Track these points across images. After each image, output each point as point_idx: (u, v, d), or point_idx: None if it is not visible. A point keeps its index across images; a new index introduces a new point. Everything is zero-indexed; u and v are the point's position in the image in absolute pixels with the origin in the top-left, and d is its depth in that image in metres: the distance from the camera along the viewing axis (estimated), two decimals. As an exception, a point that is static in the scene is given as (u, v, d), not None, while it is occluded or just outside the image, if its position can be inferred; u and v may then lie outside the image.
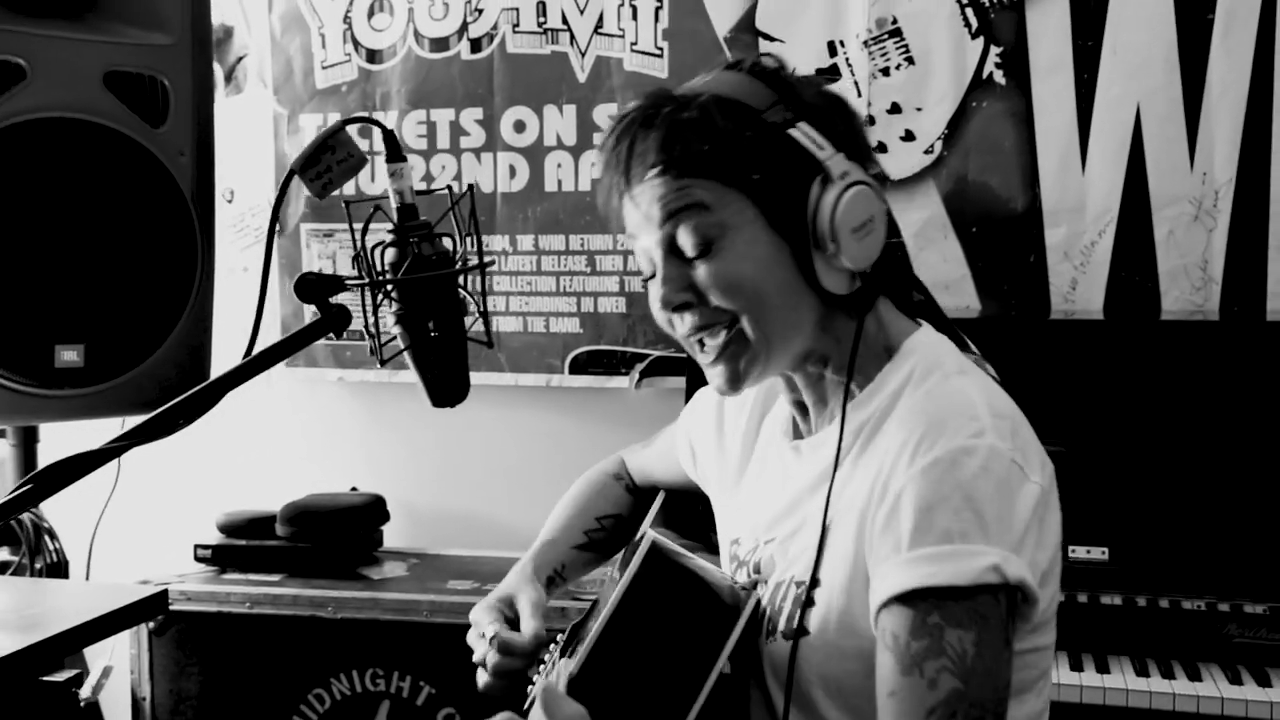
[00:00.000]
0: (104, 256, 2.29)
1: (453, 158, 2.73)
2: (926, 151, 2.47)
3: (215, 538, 2.61)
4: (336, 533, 2.58)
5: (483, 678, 1.39)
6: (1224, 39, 2.32)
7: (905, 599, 1.11)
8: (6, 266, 2.22)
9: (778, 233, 1.22)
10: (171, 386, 2.38)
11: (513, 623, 1.43)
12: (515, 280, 2.70)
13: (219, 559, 2.57)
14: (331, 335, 1.18)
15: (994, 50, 2.43)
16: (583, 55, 2.64)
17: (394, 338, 1.21)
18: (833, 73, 2.50)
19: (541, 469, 2.69)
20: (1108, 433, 2.13)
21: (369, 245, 1.21)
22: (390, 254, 1.19)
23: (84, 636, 2.10)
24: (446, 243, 1.26)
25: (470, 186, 1.26)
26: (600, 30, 2.62)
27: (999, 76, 2.43)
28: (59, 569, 2.50)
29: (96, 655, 2.48)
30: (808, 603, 1.23)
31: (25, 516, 2.48)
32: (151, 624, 2.45)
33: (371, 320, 1.18)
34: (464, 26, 2.70)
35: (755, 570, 1.34)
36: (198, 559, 2.58)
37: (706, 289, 1.22)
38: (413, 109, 2.74)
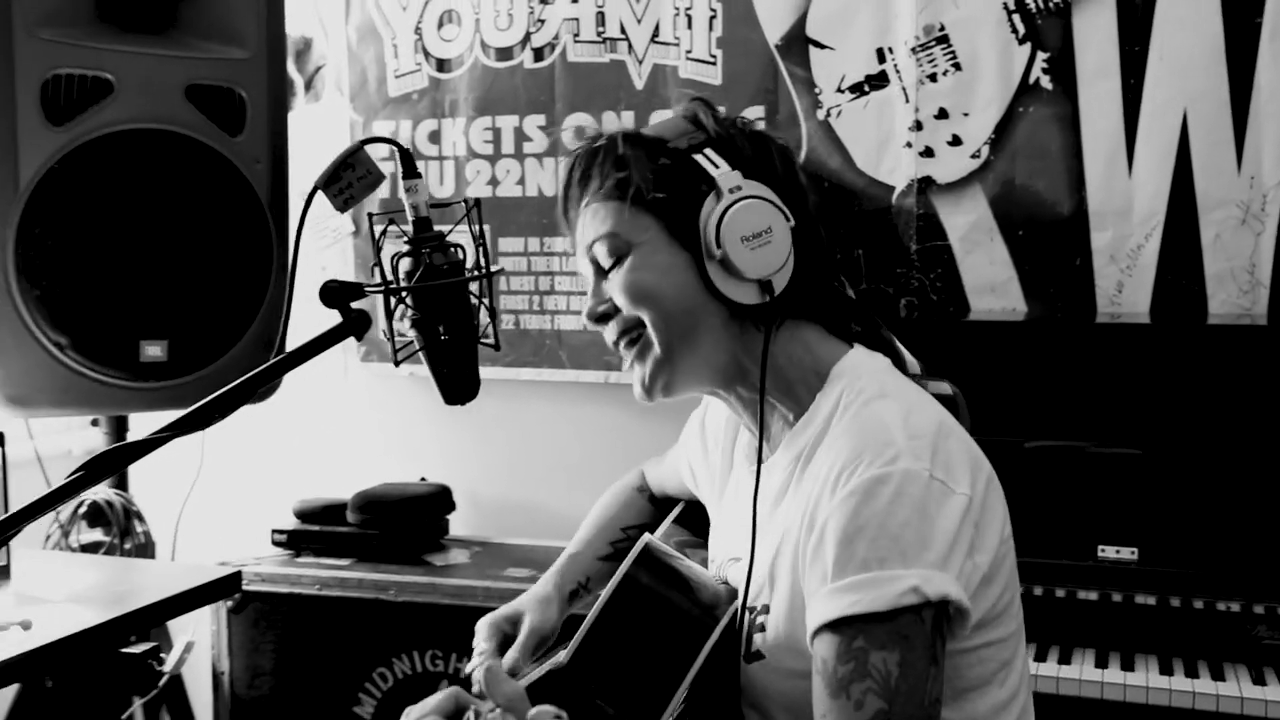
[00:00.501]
0: (185, 258, 2.45)
1: (516, 162, 2.84)
2: (973, 156, 2.51)
3: (291, 523, 2.76)
4: (404, 521, 2.71)
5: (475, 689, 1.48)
6: (1272, 41, 2.32)
7: (832, 626, 1.20)
8: (96, 267, 2.39)
9: (680, 245, 1.35)
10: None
11: (511, 640, 1.52)
12: (575, 281, 2.81)
13: (294, 543, 2.72)
14: (354, 336, 1.28)
15: (1041, 55, 2.46)
16: (640, 63, 2.73)
17: (410, 340, 1.31)
18: (880, 80, 2.56)
19: (601, 462, 2.78)
20: (1153, 435, 2.15)
21: (390, 254, 1.32)
22: (406, 263, 1.29)
23: (162, 612, 2.25)
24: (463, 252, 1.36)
25: (477, 200, 1.36)
26: (657, 39, 2.70)
27: (1046, 81, 2.46)
28: (146, 550, 2.67)
29: (180, 631, 2.65)
30: (756, 628, 1.32)
31: (116, 500, 2.66)
32: (230, 603, 2.61)
33: (387, 325, 1.29)
34: (527, 36, 2.80)
35: None
36: (274, 543, 2.73)
37: (615, 296, 1.37)
38: (479, 115, 2.86)
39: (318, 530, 2.72)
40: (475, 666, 1.49)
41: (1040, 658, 1.99)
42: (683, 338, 1.36)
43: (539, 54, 2.80)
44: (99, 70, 2.37)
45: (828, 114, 2.60)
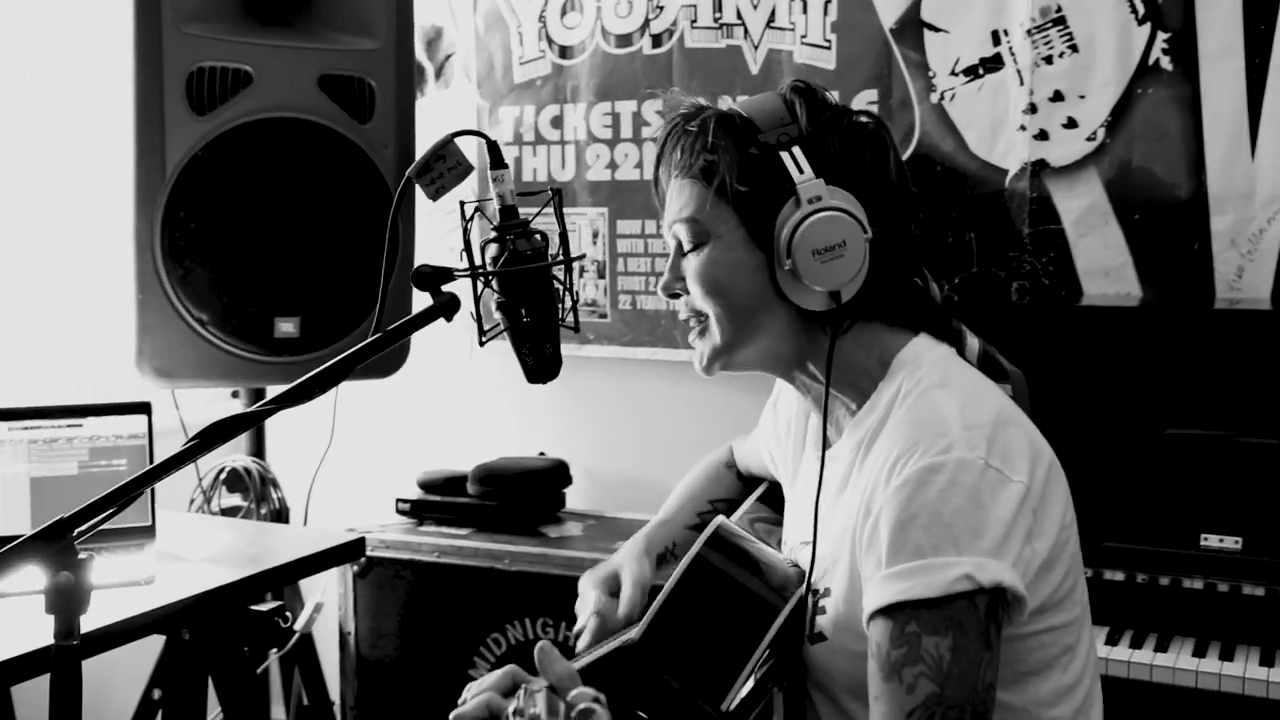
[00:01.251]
0: (317, 239, 2.59)
1: (634, 146, 2.91)
2: (1089, 139, 2.48)
3: (415, 493, 2.88)
4: (521, 493, 2.81)
5: (583, 642, 1.56)
6: (1406, 20, 2.24)
7: (886, 612, 1.23)
8: (235, 249, 2.55)
9: (756, 245, 1.37)
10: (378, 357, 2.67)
11: (616, 595, 1.59)
12: (690, 262, 2.86)
13: (416, 512, 2.85)
14: (444, 318, 1.37)
15: (1161, 36, 2.42)
16: (755, 48, 2.76)
17: (497, 323, 1.39)
18: (995, 63, 2.54)
19: (714, 440, 2.82)
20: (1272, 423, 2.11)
21: (479, 241, 1.40)
22: (492, 249, 1.37)
23: (289, 574, 2.40)
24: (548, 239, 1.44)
25: (559, 189, 1.43)
26: (772, 24, 2.73)
27: (1166, 62, 2.42)
28: (280, 515, 2.84)
29: (310, 592, 2.81)
30: (819, 610, 1.36)
31: (254, 468, 2.82)
32: (355, 567, 2.75)
33: (474, 307, 1.37)
34: (646, 23, 2.86)
35: None
36: (398, 511, 2.86)
37: (689, 280, 1.41)
38: (599, 101, 2.93)
39: (439, 500, 2.84)
40: (585, 621, 1.56)
41: (1136, 644, 1.98)
42: (747, 332, 1.41)
43: (657, 40, 2.86)
44: (239, 63, 2.51)
45: (941, 97, 2.60)
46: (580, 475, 2.99)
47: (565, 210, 1.46)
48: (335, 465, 2.98)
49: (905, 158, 2.63)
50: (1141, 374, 2.21)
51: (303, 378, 1.38)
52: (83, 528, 1.35)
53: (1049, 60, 2.50)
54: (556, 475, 2.89)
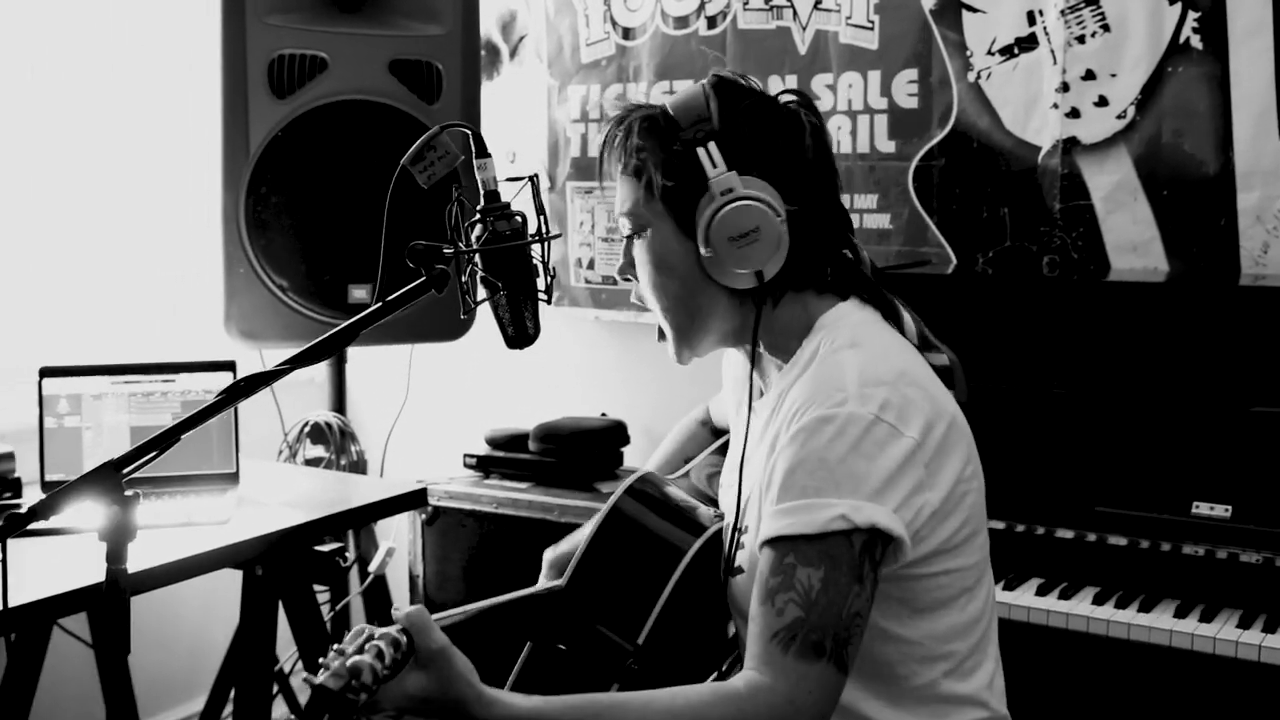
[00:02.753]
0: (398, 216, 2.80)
1: (691, 124, 3.04)
2: (1119, 116, 2.54)
3: (483, 449, 3.09)
4: (578, 451, 2.99)
5: None
6: None
7: (770, 543, 1.38)
8: (311, 221, 2.78)
9: (685, 235, 1.51)
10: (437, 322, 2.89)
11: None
12: (741, 234, 2.99)
13: (482, 466, 3.05)
14: (434, 291, 1.55)
15: (1192, 15, 2.46)
16: (804, 29, 2.87)
17: (483, 296, 1.56)
18: (1029, 42, 2.61)
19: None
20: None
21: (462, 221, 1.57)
22: (476, 229, 1.54)
23: (353, 519, 2.63)
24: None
25: (535, 176, 1.58)
26: (819, 6, 2.84)
27: (1196, 41, 2.46)
28: (358, 466, 3.08)
29: (384, 539, 3.05)
30: (738, 546, 1.51)
31: (334, 422, 3.06)
32: (423, 516, 2.97)
33: (457, 281, 1.55)
34: (701, 5, 2.99)
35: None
36: (465, 465, 3.07)
37: (636, 267, 1.57)
38: (659, 80, 3.08)
39: (503, 456, 3.04)
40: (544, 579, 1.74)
41: (1121, 605, 2.07)
42: (690, 316, 1.56)
43: (712, 21, 2.99)
44: (316, 50, 2.74)
45: (978, 76, 2.68)
46: (640, 435, 3.15)
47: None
48: (411, 422, 3.21)
49: (943, 135, 2.73)
50: (1165, 347, 2.28)
51: (314, 341, 1.57)
52: (129, 467, 1.55)
53: (1081, 39, 2.56)
54: (614, 434, 3.06)
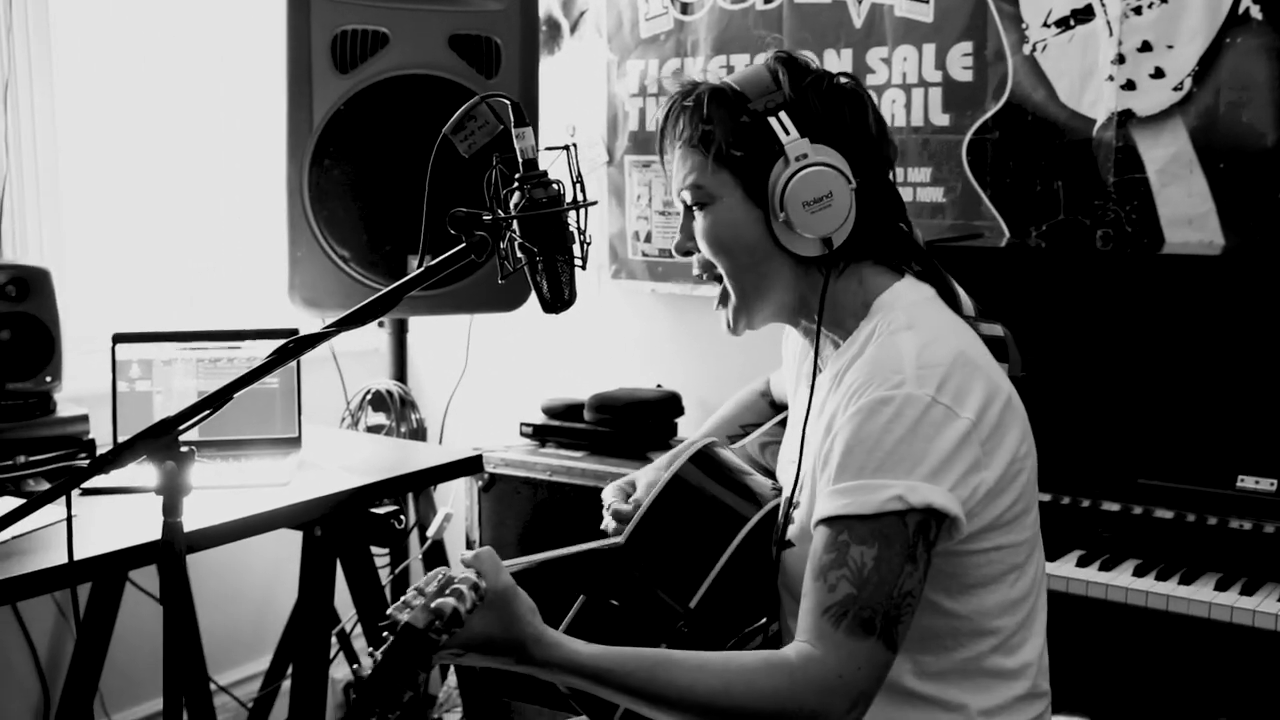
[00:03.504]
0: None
1: (746, 98, 3.06)
2: (1175, 89, 2.51)
3: (540, 419, 3.15)
4: (632, 421, 3.04)
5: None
6: None
7: (826, 522, 1.41)
8: (372, 193, 2.83)
9: (753, 203, 1.53)
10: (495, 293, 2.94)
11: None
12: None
13: (538, 435, 3.11)
14: (474, 256, 1.59)
15: (1252, -15, 2.43)
16: (859, 3, 2.87)
17: (520, 260, 1.61)
18: (1086, 14, 2.59)
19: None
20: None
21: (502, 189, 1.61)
22: (515, 197, 1.58)
23: (408, 484, 2.69)
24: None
25: (573, 145, 1.63)
26: (875, -21, 2.85)
27: (1255, 11, 2.42)
28: (418, 434, 3.15)
29: (443, 504, 3.12)
30: (789, 520, 1.54)
31: (395, 390, 3.14)
32: (479, 482, 3.04)
33: (495, 247, 1.59)
34: (758, -21, 3.01)
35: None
36: (522, 434, 3.13)
37: (698, 239, 1.58)
38: (716, 55, 3.10)
39: (559, 425, 3.09)
40: (606, 523, 1.78)
41: (1162, 577, 2.07)
42: (755, 285, 1.58)
43: (768, -4, 3.01)
44: (377, 25, 2.80)
45: (1033, 49, 2.66)
46: (694, 407, 3.19)
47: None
48: (470, 391, 3.27)
49: (998, 108, 2.72)
50: (1218, 322, 2.27)
51: (358, 305, 1.63)
52: (183, 425, 1.62)
53: (1138, 11, 2.54)
54: (668, 405, 3.10)
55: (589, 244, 1.62)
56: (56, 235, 2.88)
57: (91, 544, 2.11)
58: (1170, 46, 2.51)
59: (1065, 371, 2.36)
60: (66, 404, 2.67)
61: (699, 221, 1.59)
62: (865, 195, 1.52)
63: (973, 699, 1.50)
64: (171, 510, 1.63)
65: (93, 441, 2.64)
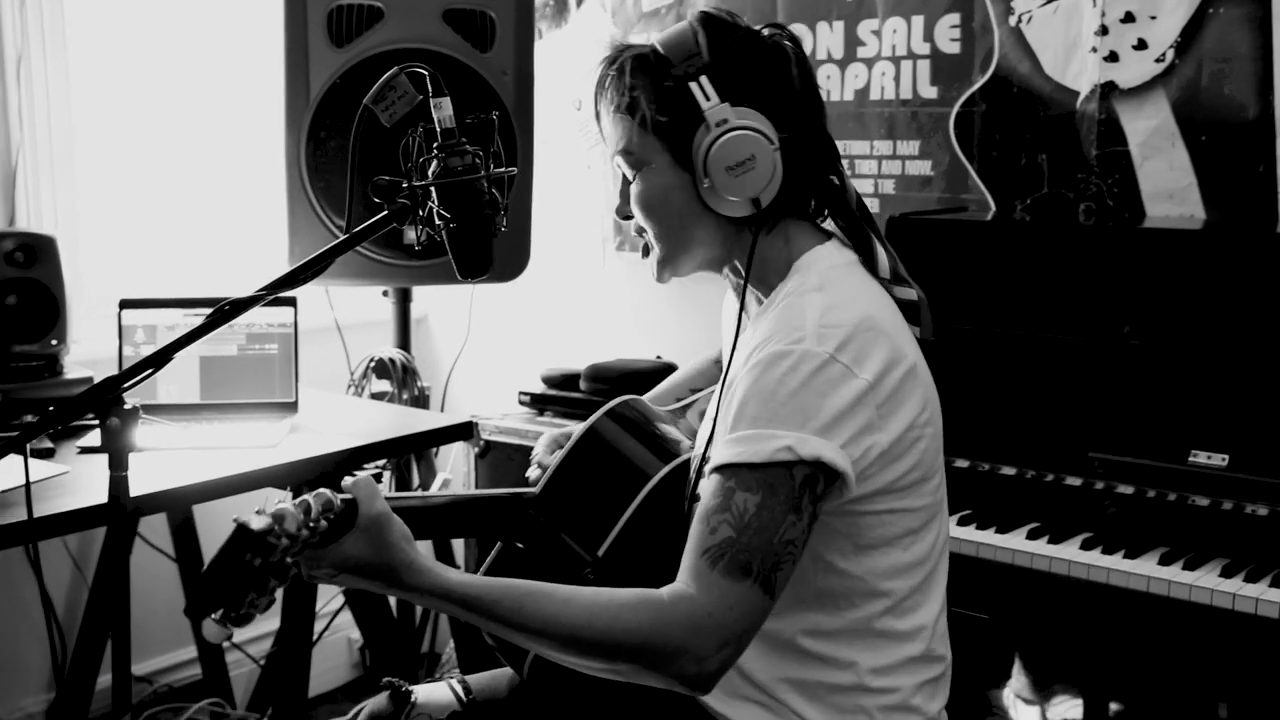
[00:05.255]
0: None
1: (743, 71, 3.08)
2: (1158, 60, 2.48)
3: (538, 388, 3.21)
4: (626, 391, 3.06)
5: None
6: None
7: (717, 469, 1.43)
8: (367, 165, 2.90)
9: (681, 167, 1.55)
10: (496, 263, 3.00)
11: None
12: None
13: (536, 404, 3.16)
14: (396, 223, 1.65)
15: (1235, -46, 2.39)
16: (851, -25, 2.88)
17: (438, 227, 1.66)
18: (1069, -18, 2.57)
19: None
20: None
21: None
22: (433, 165, 1.64)
23: (395, 448, 2.76)
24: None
25: (498, 115, 1.67)
26: (866, -49, 2.84)
27: (1239, -19, 2.39)
28: (420, 402, 3.22)
29: (441, 469, 3.20)
30: (700, 475, 1.57)
31: (398, 358, 3.21)
32: (476, 449, 3.10)
33: (413, 214, 1.64)
34: (754, -48, 3.02)
35: None
36: (520, 402, 3.18)
37: (631, 203, 1.60)
38: (714, 28, 3.11)
39: (555, 394, 3.14)
40: (531, 473, 1.83)
41: (1109, 551, 2.07)
42: (681, 244, 1.61)
43: (764, -32, 3.02)
44: (372, 0, 2.86)
45: (1019, 20, 2.64)
46: (692, 379, 3.22)
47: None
48: (472, 360, 3.34)
49: (984, 81, 2.71)
50: (1199, 295, 2.24)
51: (290, 269, 1.69)
52: (126, 385, 1.69)
53: (1122, -19, 2.51)
54: (662, 376, 3.08)
55: (505, 211, 1.66)
56: (69, 204, 2.99)
57: (76, 499, 2.21)
58: (1153, 17, 2.48)
59: (1044, 345, 2.35)
60: (76, 367, 2.78)
61: (633, 186, 1.61)
62: (792, 150, 1.54)
63: (863, 657, 1.53)
64: (117, 465, 1.72)
65: (134, 409, 2.74)
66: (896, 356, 1.48)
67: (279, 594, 1.39)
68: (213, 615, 1.32)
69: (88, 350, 2.88)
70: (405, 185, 1.62)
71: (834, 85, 2.93)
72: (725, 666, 1.39)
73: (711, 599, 1.37)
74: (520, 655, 1.62)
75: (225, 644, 3.27)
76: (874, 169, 2.89)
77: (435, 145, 1.64)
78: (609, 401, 1.72)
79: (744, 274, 1.58)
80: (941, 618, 1.61)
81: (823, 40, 2.93)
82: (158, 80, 3.22)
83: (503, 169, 1.64)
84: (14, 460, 2.34)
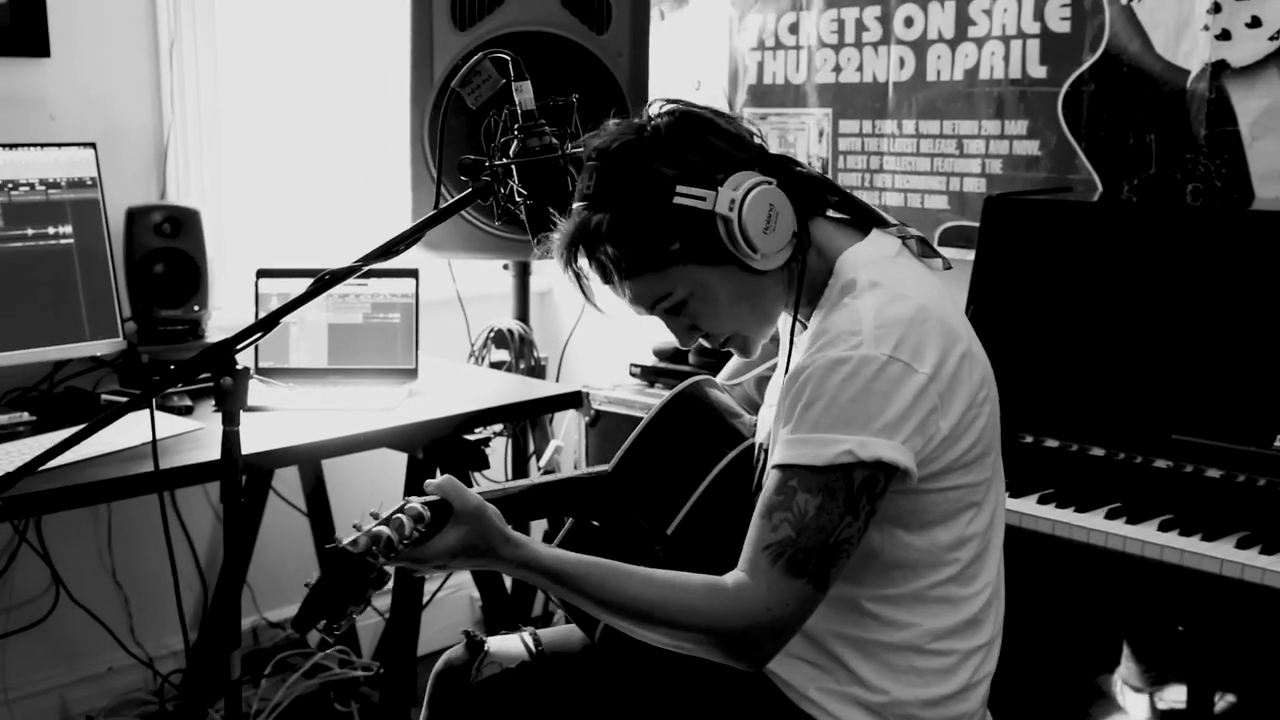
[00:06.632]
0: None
1: (856, 51, 3.11)
2: (1271, 38, 2.43)
3: (649, 360, 3.30)
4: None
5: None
6: None
7: (779, 467, 1.50)
8: (487, 141, 3.03)
9: (719, 265, 1.59)
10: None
11: None
12: (899, 160, 3.05)
13: (646, 376, 3.26)
14: (480, 200, 1.76)
15: (1354, -72, 2.33)
16: (960, -45, 2.88)
17: (515, 203, 1.77)
18: (1180, -39, 2.54)
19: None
20: None
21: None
22: (513, 145, 1.74)
23: (506, 414, 2.89)
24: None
25: (570, 100, 1.76)
26: (978, -70, 2.84)
27: (1358, -44, 2.33)
28: (536, 371, 3.35)
29: (554, 437, 3.32)
30: (763, 466, 1.64)
31: (516, 329, 3.35)
32: (587, 418, 3.22)
33: (495, 190, 1.75)
34: (867, -67, 3.04)
35: None
36: (630, 374, 3.28)
37: (705, 327, 1.66)
38: (828, 8, 3.15)
39: (665, 367, 3.23)
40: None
41: (1186, 533, 2.06)
42: (768, 317, 1.68)
43: (877, -51, 3.04)
44: (494, -16, 2.99)
45: (1130, -2, 2.62)
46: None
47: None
48: (588, 333, 3.45)
49: (1094, 60, 2.68)
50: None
51: (384, 242, 1.81)
52: (238, 346, 1.84)
53: (1235, -42, 2.46)
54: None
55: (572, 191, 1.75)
56: (214, 180, 3.20)
57: (205, 454, 2.38)
58: (1268, -6, 2.44)
59: (1146, 325, 2.34)
60: (216, 331, 2.99)
61: (692, 318, 1.65)
62: (784, 181, 1.59)
63: (923, 621, 1.60)
64: (230, 420, 1.87)
65: (245, 369, 2.94)
66: (951, 342, 1.53)
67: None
68: (320, 625, 1.45)
69: (227, 316, 3.08)
70: (487, 164, 1.73)
71: (944, 65, 2.93)
72: (778, 650, 1.50)
73: (770, 595, 1.47)
74: (593, 622, 1.72)
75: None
76: (981, 149, 2.89)
77: (515, 126, 1.74)
78: (683, 384, 1.80)
79: (795, 300, 1.62)
80: (997, 584, 1.66)
81: (934, 20, 2.94)
82: (295, 63, 3.40)
83: (579, 149, 1.73)
84: (159, 416, 2.59)
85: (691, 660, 1.55)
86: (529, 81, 1.74)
